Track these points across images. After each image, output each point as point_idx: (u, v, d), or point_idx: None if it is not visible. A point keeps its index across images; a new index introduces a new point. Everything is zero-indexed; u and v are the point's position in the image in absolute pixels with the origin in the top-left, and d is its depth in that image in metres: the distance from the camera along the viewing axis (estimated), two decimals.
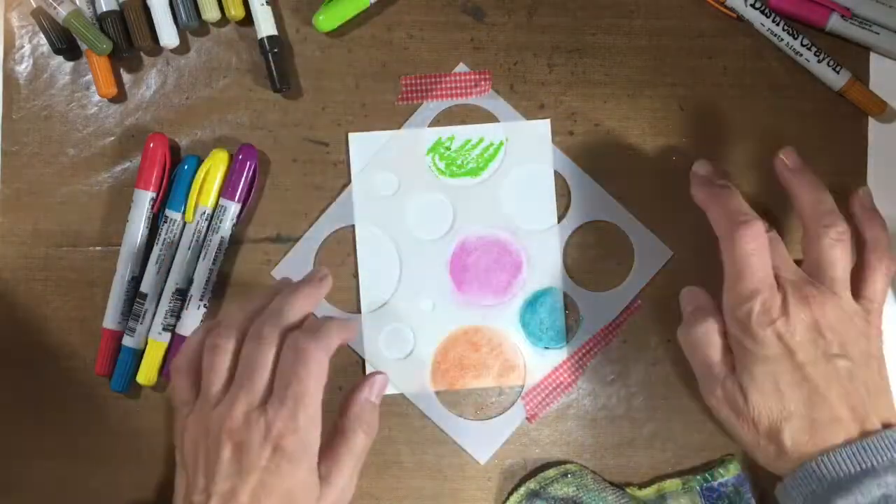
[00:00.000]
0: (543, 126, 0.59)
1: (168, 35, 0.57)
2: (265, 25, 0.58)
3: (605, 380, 0.59)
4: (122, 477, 0.59)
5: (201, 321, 0.58)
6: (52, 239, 0.59)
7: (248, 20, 0.58)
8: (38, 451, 0.59)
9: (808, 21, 0.58)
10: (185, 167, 0.58)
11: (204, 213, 0.57)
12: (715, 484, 0.57)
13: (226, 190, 0.57)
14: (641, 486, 0.58)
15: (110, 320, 0.58)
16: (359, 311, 0.59)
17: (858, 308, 0.49)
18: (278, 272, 0.59)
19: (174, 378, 0.51)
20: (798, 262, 0.51)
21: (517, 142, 0.59)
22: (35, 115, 0.59)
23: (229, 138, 0.59)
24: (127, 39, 0.58)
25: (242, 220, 0.58)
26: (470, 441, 0.59)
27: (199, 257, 0.58)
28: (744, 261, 0.48)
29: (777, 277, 0.49)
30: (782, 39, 0.58)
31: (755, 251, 0.48)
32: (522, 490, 0.58)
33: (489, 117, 0.59)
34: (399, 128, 0.59)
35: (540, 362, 0.59)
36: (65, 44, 0.58)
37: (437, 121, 0.59)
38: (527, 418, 0.59)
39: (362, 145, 0.59)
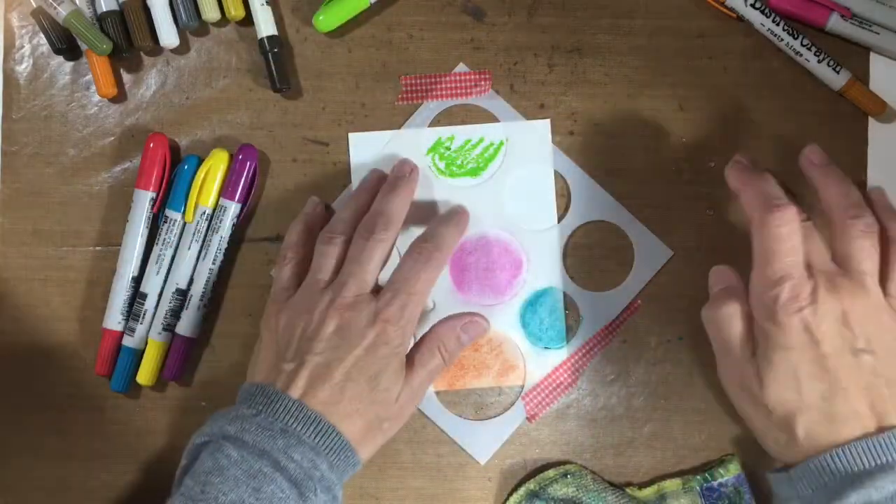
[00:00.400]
0: (543, 126, 0.59)
1: (168, 35, 0.57)
2: (265, 25, 0.58)
3: (605, 380, 0.59)
4: (122, 477, 0.59)
5: (201, 322, 0.58)
6: (52, 239, 0.59)
7: (248, 20, 0.58)
8: (38, 451, 0.59)
9: (808, 21, 0.58)
10: (185, 167, 0.58)
11: (204, 213, 0.57)
12: (715, 484, 0.57)
13: (226, 190, 0.57)
14: (641, 486, 0.58)
15: (110, 320, 0.58)
16: None
17: (887, 305, 0.48)
18: None
19: (280, 263, 0.55)
20: None
21: (517, 142, 0.59)
22: (35, 115, 0.59)
23: (229, 138, 0.59)
24: (127, 39, 0.58)
25: (242, 220, 0.58)
26: (470, 441, 0.59)
27: (199, 257, 0.58)
28: (775, 244, 0.48)
29: (809, 266, 0.48)
30: (782, 39, 0.58)
31: (787, 235, 0.48)
32: (522, 490, 0.58)
33: (489, 117, 0.59)
34: (399, 128, 0.59)
35: (540, 362, 0.59)
36: (65, 44, 0.58)
37: (437, 121, 0.59)
38: (527, 418, 0.59)
39: (362, 145, 0.59)
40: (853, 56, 0.59)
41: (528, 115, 0.59)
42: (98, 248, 0.59)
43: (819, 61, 0.57)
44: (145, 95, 0.59)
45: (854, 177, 0.59)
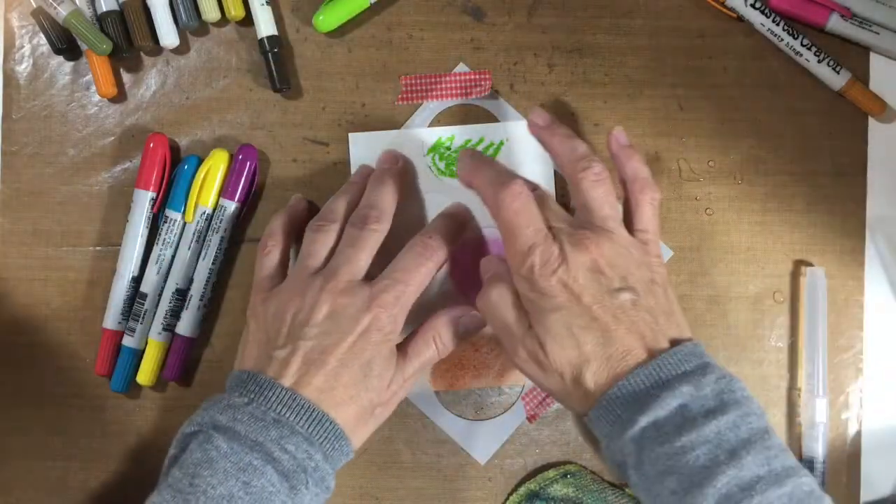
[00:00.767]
0: None
1: (168, 35, 0.57)
2: (265, 25, 0.58)
3: None
4: (122, 477, 0.59)
5: (201, 322, 0.58)
6: (52, 239, 0.59)
7: (248, 20, 0.58)
8: (38, 451, 0.59)
9: (808, 21, 0.58)
10: (185, 167, 0.58)
11: (204, 213, 0.57)
12: None
13: (226, 190, 0.57)
14: None
15: (110, 320, 0.58)
16: None
17: (634, 240, 0.50)
18: None
19: (262, 252, 0.55)
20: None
21: (517, 142, 0.59)
22: (35, 115, 0.59)
23: (229, 138, 0.59)
24: (127, 39, 0.58)
25: (242, 221, 0.58)
26: (470, 441, 0.59)
27: (199, 257, 0.58)
28: (513, 219, 0.49)
29: (551, 230, 0.50)
30: (782, 39, 0.58)
31: (521, 208, 0.49)
32: (522, 490, 0.58)
33: (489, 117, 0.59)
34: (399, 128, 0.59)
35: None
36: (65, 44, 0.58)
37: (437, 121, 0.59)
38: (527, 418, 0.59)
39: (362, 145, 0.59)
40: (853, 56, 0.59)
41: (528, 115, 0.59)
42: (98, 248, 0.59)
43: (819, 61, 0.57)
44: (145, 95, 0.59)
45: (854, 177, 0.59)
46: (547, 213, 0.51)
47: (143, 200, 0.58)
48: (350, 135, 0.59)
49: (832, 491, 0.58)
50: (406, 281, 0.52)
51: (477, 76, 0.59)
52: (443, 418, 0.59)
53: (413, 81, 0.59)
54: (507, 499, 0.58)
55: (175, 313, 0.58)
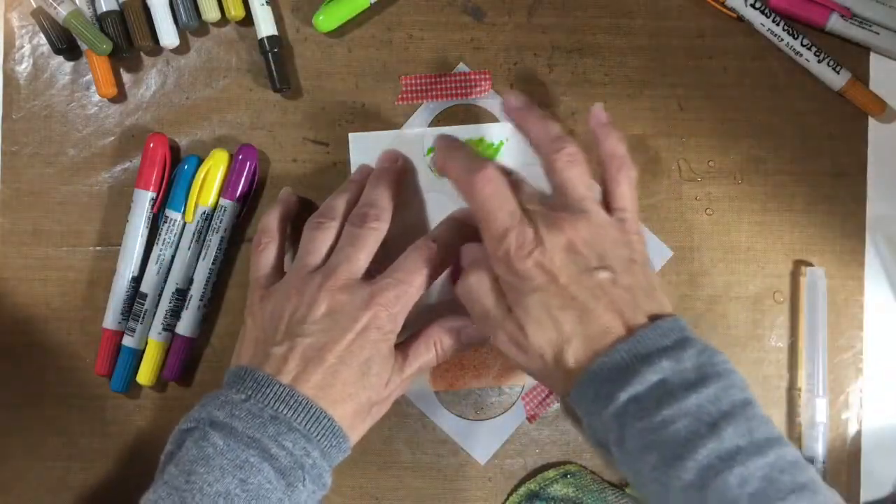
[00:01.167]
0: None
1: (168, 35, 0.57)
2: (265, 25, 0.58)
3: None
4: (122, 477, 0.59)
5: (201, 322, 0.58)
6: (52, 239, 0.59)
7: (248, 20, 0.58)
8: (38, 451, 0.59)
9: (808, 21, 0.58)
10: (185, 167, 0.58)
11: (204, 213, 0.57)
12: None
13: (226, 190, 0.57)
14: None
15: (110, 320, 0.58)
16: None
17: (611, 219, 0.50)
18: None
19: (258, 249, 0.55)
20: None
21: (517, 142, 0.59)
22: (35, 115, 0.59)
23: (229, 138, 0.59)
24: (127, 39, 0.58)
25: (242, 221, 0.58)
26: (470, 441, 0.59)
27: (199, 257, 0.58)
28: (487, 203, 0.49)
29: (526, 212, 0.49)
30: (782, 39, 0.58)
31: (495, 192, 0.49)
32: (522, 490, 0.58)
33: (489, 117, 0.59)
34: (399, 128, 0.59)
35: None
36: (65, 44, 0.58)
37: (437, 121, 0.59)
38: (527, 418, 0.59)
39: (362, 145, 0.59)
40: (853, 56, 0.59)
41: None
42: (98, 248, 0.59)
43: (819, 61, 0.57)
44: (145, 95, 0.59)
45: (854, 177, 0.59)
46: (521, 196, 0.50)
47: (143, 200, 0.58)
48: (350, 135, 0.59)
49: None
50: (407, 281, 0.52)
51: (477, 76, 0.59)
52: (443, 418, 0.59)
53: (413, 81, 0.59)
54: (507, 499, 0.58)
55: (175, 313, 0.58)
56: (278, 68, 0.58)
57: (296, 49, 0.59)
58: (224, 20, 0.58)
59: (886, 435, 0.59)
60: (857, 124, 0.59)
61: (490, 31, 0.59)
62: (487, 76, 0.59)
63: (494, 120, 0.59)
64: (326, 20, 0.58)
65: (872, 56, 0.59)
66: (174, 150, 0.59)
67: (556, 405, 0.59)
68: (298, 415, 0.48)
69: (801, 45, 0.57)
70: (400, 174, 0.57)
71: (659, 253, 0.59)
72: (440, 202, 0.59)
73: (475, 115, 0.59)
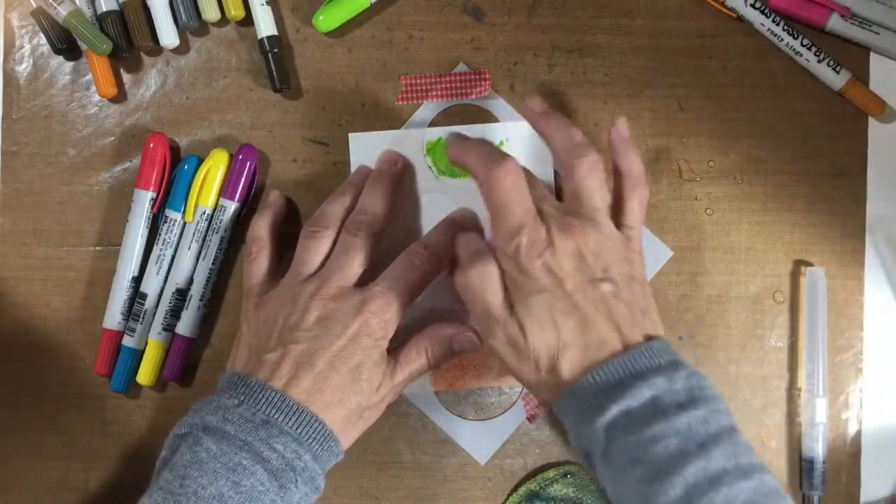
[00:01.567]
0: None
1: (168, 35, 0.57)
2: (265, 25, 0.58)
3: None
4: (122, 477, 0.59)
5: (201, 322, 0.58)
6: (52, 239, 0.59)
7: (248, 20, 0.58)
8: (38, 451, 0.59)
9: (808, 21, 0.58)
10: (185, 167, 0.58)
11: (204, 213, 0.57)
12: None
13: (226, 190, 0.57)
14: None
15: (110, 320, 0.58)
16: None
17: (619, 234, 0.50)
18: None
19: (249, 257, 0.55)
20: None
21: (517, 142, 0.59)
22: (35, 115, 0.59)
23: (229, 138, 0.59)
24: (127, 39, 0.58)
25: (242, 221, 0.58)
26: (470, 441, 0.59)
27: (199, 257, 0.58)
28: (504, 197, 0.49)
29: (540, 213, 0.49)
30: (782, 39, 0.58)
31: (512, 187, 0.49)
32: (522, 490, 0.58)
33: (489, 117, 0.59)
34: (399, 128, 0.59)
35: None
36: (65, 44, 0.58)
37: (437, 121, 0.59)
38: (527, 418, 0.59)
39: (362, 145, 0.59)
40: (853, 56, 0.59)
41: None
42: (98, 248, 0.59)
43: (819, 61, 0.57)
44: (145, 95, 0.59)
45: (854, 177, 0.59)
46: (537, 195, 0.50)
47: (143, 200, 0.58)
48: (350, 135, 0.59)
49: (832, 490, 0.58)
50: (398, 288, 0.52)
51: (477, 76, 0.59)
52: (443, 418, 0.59)
53: (413, 81, 0.59)
54: (507, 499, 0.58)
55: (175, 313, 0.58)
56: (278, 68, 0.58)
57: (296, 49, 0.59)
58: (224, 20, 0.58)
59: (886, 435, 0.59)
60: (857, 124, 0.59)
61: (490, 31, 0.59)
62: (487, 76, 0.59)
63: (494, 120, 0.59)
64: (326, 20, 0.58)
65: (872, 56, 0.59)
66: (174, 150, 0.59)
67: None
68: (289, 419, 0.48)
69: (801, 45, 0.57)
70: (399, 177, 0.57)
71: (659, 253, 0.59)
72: (440, 202, 0.59)
73: (475, 115, 0.59)
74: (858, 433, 0.59)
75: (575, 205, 0.50)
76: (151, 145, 0.58)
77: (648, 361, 0.46)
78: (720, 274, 0.59)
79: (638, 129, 0.59)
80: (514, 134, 0.59)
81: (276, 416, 0.48)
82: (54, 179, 0.59)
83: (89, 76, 0.59)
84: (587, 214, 0.49)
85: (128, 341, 0.58)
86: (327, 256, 0.54)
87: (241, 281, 0.59)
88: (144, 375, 0.58)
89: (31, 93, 0.59)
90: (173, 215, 0.57)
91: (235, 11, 0.57)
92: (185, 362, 0.58)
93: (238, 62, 0.59)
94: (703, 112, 0.59)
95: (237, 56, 0.59)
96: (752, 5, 0.57)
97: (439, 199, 0.59)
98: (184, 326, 0.58)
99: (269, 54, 0.58)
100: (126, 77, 0.59)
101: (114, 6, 0.57)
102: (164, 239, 0.57)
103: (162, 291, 0.58)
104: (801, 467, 0.58)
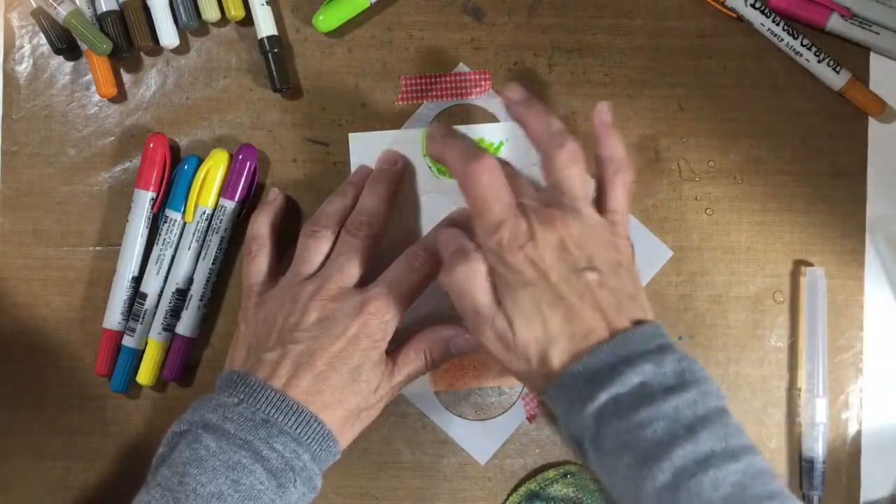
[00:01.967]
0: None
1: (168, 35, 0.57)
2: (265, 25, 0.58)
3: None
4: (122, 477, 0.59)
5: (201, 322, 0.58)
6: (52, 239, 0.59)
7: (248, 20, 0.58)
8: (38, 451, 0.59)
9: (808, 21, 0.58)
10: (185, 167, 0.58)
11: (204, 213, 0.57)
12: None
13: (226, 190, 0.57)
14: None
15: (110, 320, 0.58)
16: None
17: (603, 221, 0.50)
18: None
19: (249, 257, 0.55)
20: None
21: (517, 142, 0.59)
22: (35, 115, 0.59)
23: (229, 138, 0.59)
24: (127, 39, 0.58)
25: (242, 221, 0.58)
26: (470, 441, 0.59)
27: (199, 257, 0.58)
28: (483, 192, 0.48)
29: (521, 206, 0.49)
30: (782, 39, 0.58)
31: (490, 183, 0.48)
32: (522, 490, 0.58)
33: (489, 117, 0.59)
34: (399, 128, 0.59)
35: None
36: (65, 44, 0.58)
37: (437, 121, 0.59)
38: (527, 418, 0.59)
39: (362, 145, 0.59)
40: (853, 56, 0.59)
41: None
42: (98, 248, 0.59)
43: (819, 61, 0.57)
44: (145, 95, 0.59)
45: (854, 177, 0.59)
46: (516, 188, 0.50)
47: (143, 200, 0.58)
48: (350, 135, 0.59)
49: (832, 490, 0.58)
50: (397, 290, 0.52)
51: (477, 76, 0.59)
52: (443, 418, 0.59)
53: (413, 81, 0.59)
54: (507, 499, 0.58)
55: (175, 313, 0.58)
56: (278, 68, 0.58)
57: (296, 49, 0.59)
58: (224, 20, 0.58)
59: (886, 435, 0.59)
60: (857, 124, 0.59)
61: (490, 31, 0.59)
62: (487, 76, 0.59)
63: (494, 120, 0.59)
64: (326, 20, 0.58)
65: (872, 56, 0.59)
66: (174, 150, 0.59)
67: None
68: (289, 419, 0.48)
69: (801, 45, 0.57)
70: (398, 176, 0.57)
71: (659, 253, 0.59)
72: (440, 202, 0.59)
73: (475, 115, 0.59)
74: (858, 433, 0.59)
75: (556, 195, 0.50)
76: (151, 145, 0.58)
77: (636, 346, 0.46)
78: (720, 274, 0.59)
79: (638, 129, 0.59)
80: (514, 134, 0.59)
81: (276, 415, 0.48)
82: (54, 179, 0.59)
83: (89, 76, 0.59)
84: (569, 204, 0.49)
85: (128, 341, 0.58)
86: (327, 256, 0.54)
87: (241, 280, 0.59)
88: (144, 375, 0.58)
89: (31, 93, 0.59)
90: (173, 215, 0.57)
91: (235, 11, 0.57)
92: (185, 362, 0.58)
93: (238, 62, 0.59)
94: (703, 112, 0.59)
95: (237, 56, 0.59)
96: (752, 5, 0.57)
97: (439, 200, 0.59)
98: (184, 326, 0.58)
99: (269, 54, 0.58)
100: (126, 77, 0.59)
101: (114, 6, 0.57)
102: (164, 239, 0.58)
103: (162, 291, 0.58)
104: (801, 467, 0.58)
